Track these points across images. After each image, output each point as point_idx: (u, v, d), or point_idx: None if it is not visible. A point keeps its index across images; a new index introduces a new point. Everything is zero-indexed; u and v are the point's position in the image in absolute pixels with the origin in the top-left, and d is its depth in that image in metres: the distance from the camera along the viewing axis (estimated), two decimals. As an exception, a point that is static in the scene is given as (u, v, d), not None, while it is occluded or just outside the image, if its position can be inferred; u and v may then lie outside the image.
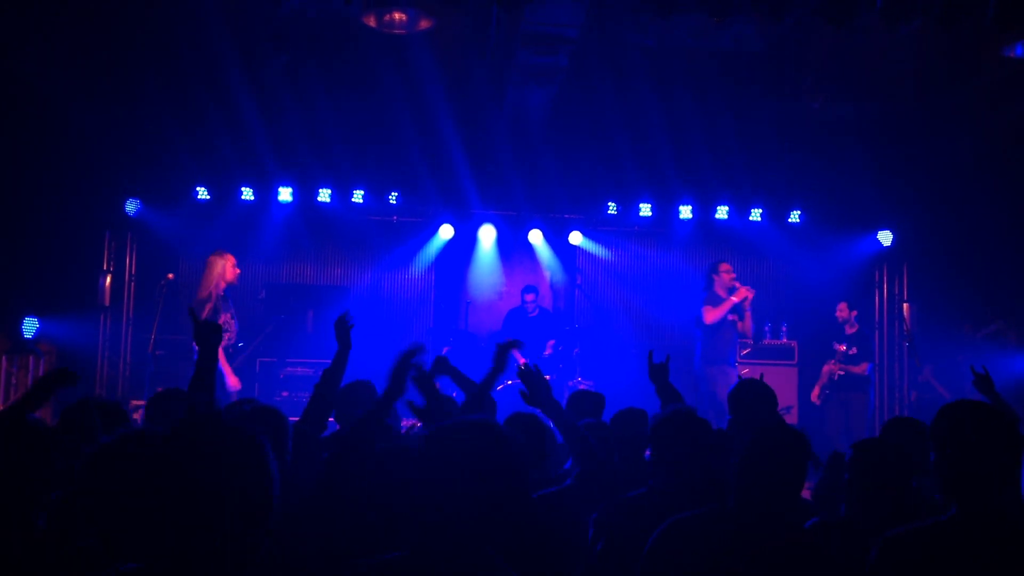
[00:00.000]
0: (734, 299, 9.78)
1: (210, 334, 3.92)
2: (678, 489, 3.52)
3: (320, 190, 11.00)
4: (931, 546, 2.57)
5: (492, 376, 4.46)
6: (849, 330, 10.54)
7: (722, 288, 9.85)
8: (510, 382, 10.12)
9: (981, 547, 2.53)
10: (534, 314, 10.94)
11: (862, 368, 10.32)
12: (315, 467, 3.72)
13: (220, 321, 8.75)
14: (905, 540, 2.62)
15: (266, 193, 10.94)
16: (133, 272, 11.13)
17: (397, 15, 8.47)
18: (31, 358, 9.78)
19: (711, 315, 9.84)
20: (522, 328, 10.73)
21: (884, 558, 2.61)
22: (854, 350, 10.43)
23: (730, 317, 9.85)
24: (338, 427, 5.07)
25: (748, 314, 9.92)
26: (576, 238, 11.85)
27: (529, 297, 10.96)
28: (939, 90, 9.87)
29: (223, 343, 8.77)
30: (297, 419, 4.27)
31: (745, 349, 11.29)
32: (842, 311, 10.57)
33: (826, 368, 10.43)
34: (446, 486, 2.19)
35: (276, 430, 3.83)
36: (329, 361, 4.65)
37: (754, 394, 4.65)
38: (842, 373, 10.30)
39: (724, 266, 10.03)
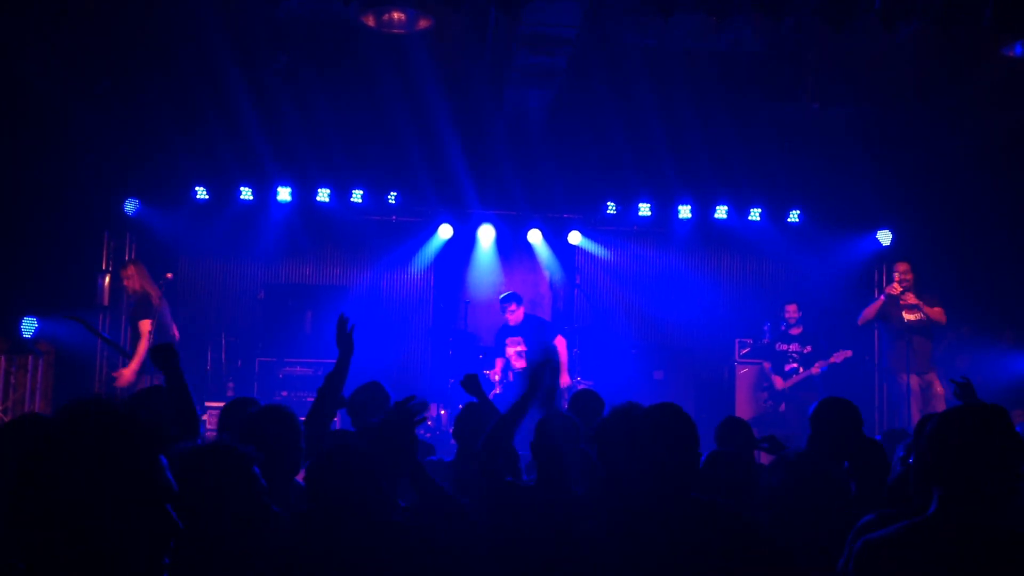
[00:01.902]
0: (883, 297, 9.69)
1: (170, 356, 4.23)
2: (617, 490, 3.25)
3: (319, 190, 11.00)
4: (913, 548, 2.55)
5: (527, 400, 4.08)
6: (795, 331, 10.60)
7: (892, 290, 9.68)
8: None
9: (964, 549, 2.49)
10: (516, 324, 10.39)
11: (818, 367, 10.40)
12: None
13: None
14: (886, 542, 2.59)
15: (265, 193, 10.94)
16: (132, 272, 11.12)
17: (396, 15, 8.48)
18: (30, 358, 9.78)
19: (860, 317, 9.96)
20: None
21: (862, 561, 2.59)
22: (808, 348, 10.50)
23: (907, 316, 9.57)
24: (354, 429, 5.12)
25: (916, 306, 9.58)
26: (575, 238, 11.85)
27: (511, 307, 10.35)
28: (938, 90, 9.88)
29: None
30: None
31: (745, 349, 11.33)
32: (792, 312, 10.60)
33: (779, 379, 10.52)
34: None
35: (289, 429, 3.83)
36: (330, 362, 4.71)
37: (836, 412, 4.37)
38: (800, 378, 10.37)
39: (898, 266, 9.81)
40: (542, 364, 4.20)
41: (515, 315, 10.28)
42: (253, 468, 2.34)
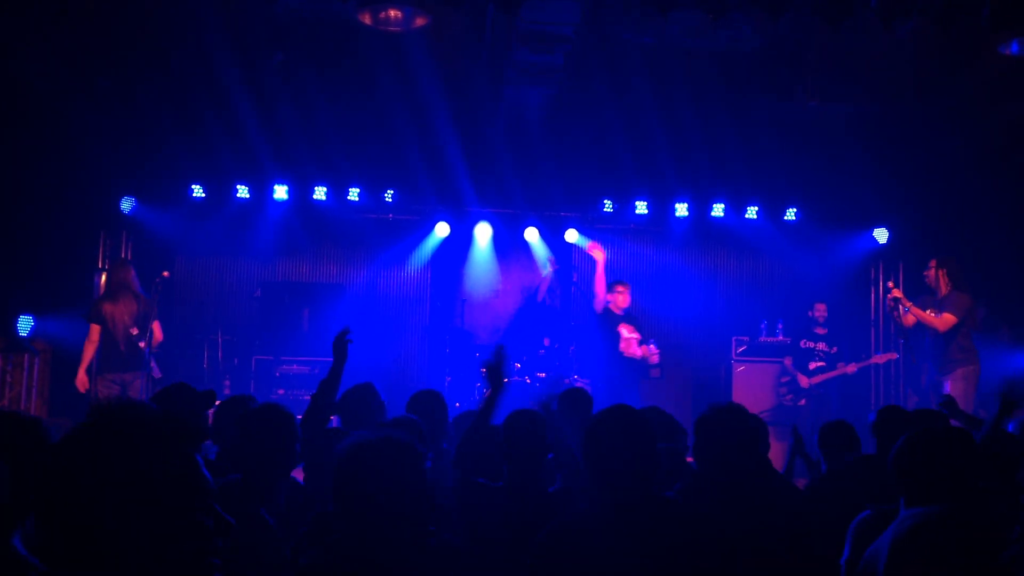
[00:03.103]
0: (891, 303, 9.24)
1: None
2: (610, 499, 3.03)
3: (316, 188, 10.97)
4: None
5: (491, 400, 4.38)
6: (821, 331, 10.61)
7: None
8: (506, 380, 10.14)
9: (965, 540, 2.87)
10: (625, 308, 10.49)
11: (854, 367, 10.42)
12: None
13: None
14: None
15: (262, 191, 10.92)
16: (128, 270, 11.10)
17: (393, 12, 8.45)
18: (26, 356, 9.76)
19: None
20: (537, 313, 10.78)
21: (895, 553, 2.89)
22: (835, 348, 10.52)
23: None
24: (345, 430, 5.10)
25: (906, 312, 9.06)
26: (572, 236, 11.84)
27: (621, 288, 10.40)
28: (936, 88, 9.88)
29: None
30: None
31: (741, 347, 11.32)
32: (821, 311, 10.61)
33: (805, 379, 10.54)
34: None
35: (282, 428, 3.80)
36: (327, 360, 4.79)
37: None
38: (831, 375, 10.38)
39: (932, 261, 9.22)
40: (499, 356, 4.54)
41: (625, 298, 10.24)
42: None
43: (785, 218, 11.62)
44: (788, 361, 10.77)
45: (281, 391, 10.28)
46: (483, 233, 11.74)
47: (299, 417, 4.15)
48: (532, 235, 11.77)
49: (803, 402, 10.52)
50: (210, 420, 4.91)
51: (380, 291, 11.80)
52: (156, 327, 9.06)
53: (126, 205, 10.69)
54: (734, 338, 11.35)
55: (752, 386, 11.08)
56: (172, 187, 10.76)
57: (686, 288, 11.94)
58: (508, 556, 3.46)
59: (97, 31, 8.82)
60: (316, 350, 10.19)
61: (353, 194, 11.06)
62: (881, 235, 11.65)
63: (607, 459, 2.98)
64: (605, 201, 11.46)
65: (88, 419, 1.63)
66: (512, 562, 3.34)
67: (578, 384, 9.97)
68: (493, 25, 9.06)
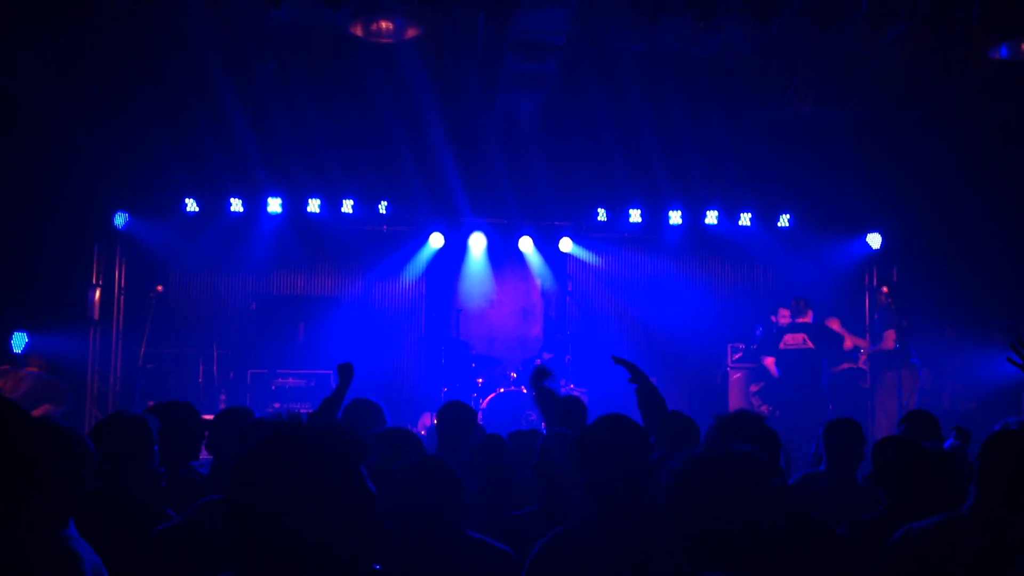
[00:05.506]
0: None
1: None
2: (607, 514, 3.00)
3: (310, 200, 10.98)
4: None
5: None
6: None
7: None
8: (502, 390, 10.12)
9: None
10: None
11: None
12: None
13: None
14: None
15: (255, 204, 10.91)
16: (122, 285, 11.09)
17: (384, 24, 8.46)
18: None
19: None
20: None
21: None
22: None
23: None
24: None
25: None
26: (566, 245, 11.85)
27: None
28: (926, 92, 9.91)
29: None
30: None
31: (737, 354, 11.32)
32: (784, 317, 10.70)
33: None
34: None
35: None
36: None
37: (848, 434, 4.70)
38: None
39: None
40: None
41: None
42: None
43: (779, 224, 11.63)
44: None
45: (277, 404, 10.22)
46: (477, 243, 11.74)
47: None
48: (527, 245, 11.77)
49: (779, 412, 10.49)
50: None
51: (375, 303, 11.79)
52: None
53: (120, 219, 10.69)
54: (729, 345, 11.35)
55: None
56: (166, 201, 10.76)
57: (681, 296, 11.94)
58: None
59: (90, 44, 8.81)
60: (312, 363, 10.15)
61: (347, 206, 11.04)
62: (874, 240, 11.68)
63: (600, 468, 2.96)
64: (599, 210, 11.46)
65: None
66: None
67: (574, 393, 9.93)
68: (485, 35, 9.09)
